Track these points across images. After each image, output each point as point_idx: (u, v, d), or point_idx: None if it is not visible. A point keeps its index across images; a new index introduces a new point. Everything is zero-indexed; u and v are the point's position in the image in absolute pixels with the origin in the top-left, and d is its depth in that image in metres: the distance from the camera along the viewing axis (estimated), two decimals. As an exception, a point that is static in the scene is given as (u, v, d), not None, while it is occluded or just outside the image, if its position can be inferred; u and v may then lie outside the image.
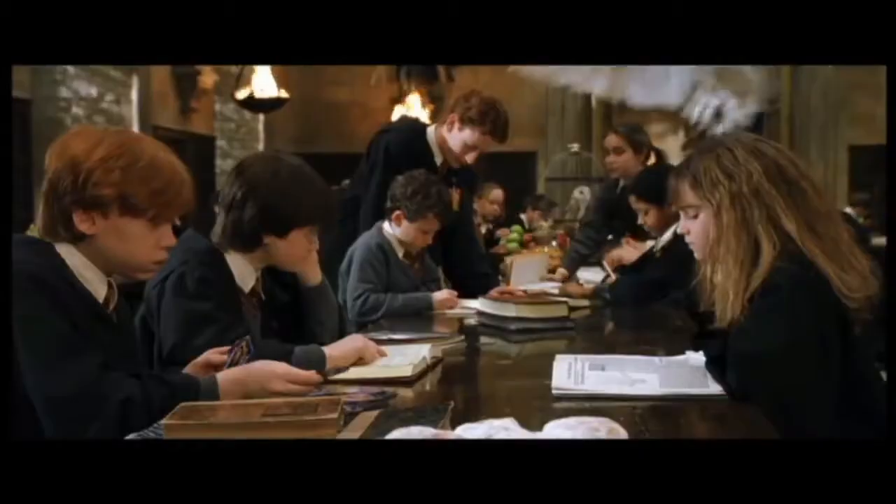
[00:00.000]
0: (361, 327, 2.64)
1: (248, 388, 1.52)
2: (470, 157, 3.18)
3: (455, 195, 3.19)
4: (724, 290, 1.64)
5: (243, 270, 1.94)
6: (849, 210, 7.46)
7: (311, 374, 1.60)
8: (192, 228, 1.97)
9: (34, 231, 1.58)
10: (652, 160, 3.97)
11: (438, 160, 3.25)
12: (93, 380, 1.37)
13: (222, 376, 1.52)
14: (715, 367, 1.65)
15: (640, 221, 3.29)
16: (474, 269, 3.39)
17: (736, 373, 1.57)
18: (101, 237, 1.49)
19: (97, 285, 1.52)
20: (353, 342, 1.89)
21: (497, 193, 7.00)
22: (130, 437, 1.31)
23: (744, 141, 1.71)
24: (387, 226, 2.98)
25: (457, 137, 3.15)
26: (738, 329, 1.61)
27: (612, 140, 3.93)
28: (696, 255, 1.78)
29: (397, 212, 2.91)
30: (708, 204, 1.68)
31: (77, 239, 1.49)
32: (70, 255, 1.49)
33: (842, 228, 1.65)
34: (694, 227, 1.75)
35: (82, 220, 1.47)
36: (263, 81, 8.04)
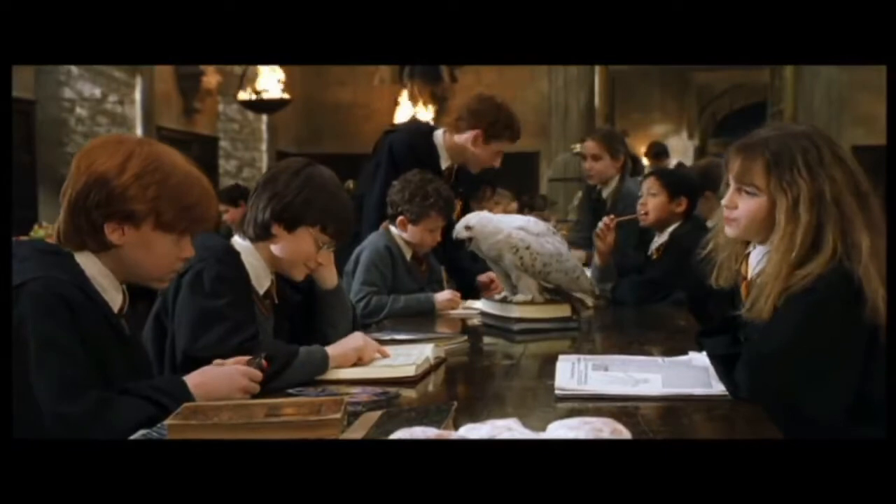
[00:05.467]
0: (365, 328, 2.64)
1: (211, 390, 1.53)
2: (497, 162, 3.28)
3: (458, 204, 3.20)
4: (767, 284, 1.59)
5: (259, 271, 1.96)
6: None
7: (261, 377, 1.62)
8: None
9: (38, 232, 1.59)
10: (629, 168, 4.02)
11: (444, 164, 3.27)
12: (102, 408, 1.39)
13: (192, 380, 1.53)
14: (719, 364, 1.64)
15: (640, 203, 3.28)
16: (476, 269, 3.40)
17: (747, 371, 1.57)
18: (127, 248, 1.51)
19: (113, 294, 1.54)
20: (352, 341, 1.90)
21: (513, 207, 7.01)
22: (135, 436, 1.31)
23: (829, 142, 1.65)
24: (394, 227, 2.98)
25: (486, 150, 3.21)
26: (762, 328, 1.59)
27: (591, 146, 3.93)
28: (730, 231, 1.70)
29: (400, 217, 2.91)
30: (782, 194, 1.61)
31: (101, 249, 1.51)
32: (90, 263, 1.50)
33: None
34: (746, 206, 1.67)
35: (113, 230, 1.49)
36: (267, 82, 8.06)
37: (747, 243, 1.74)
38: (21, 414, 1.29)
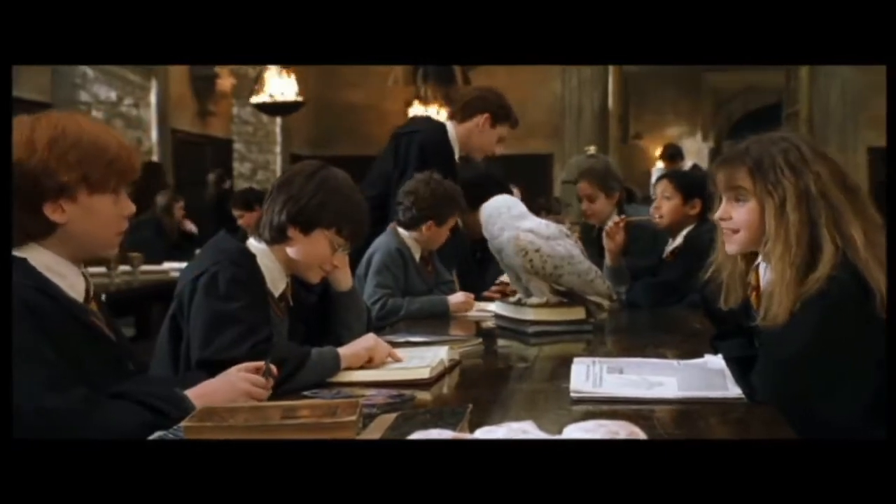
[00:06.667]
0: (378, 330, 2.65)
1: (214, 397, 1.50)
2: (499, 149, 3.40)
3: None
4: (776, 291, 1.58)
5: (274, 274, 1.97)
6: None
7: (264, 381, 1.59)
8: (224, 230, 2.01)
9: None
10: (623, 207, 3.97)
11: (457, 157, 3.36)
12: (90, 407, 1.37)
13: (193, 392, 1.51)
14: (736, 367, 1.64)
15: (654, 206, 3.28)
16: (488, 278, 3.47)
17: (765, 375, 1.56)
18: (71, 224, 1.46)
19: (73, 279, 1.50)
20: (364, 342, 1.91)
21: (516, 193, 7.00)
22: (153, 437, 1.32)
23: (808, 142, 1.67)
24: (402, 228, 2.98)
25: (491, 134, 3.32)
26: (776, 332, 1.58)
27: (584, 188, 3.92)
28: (731, 247, 1.69)
29: (429, 222, 2.91)
30: (769, 196, 1.61)
31: (46, 234, 1.46)
32: (39, 255, 1.46)
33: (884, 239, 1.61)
34: (739, 214, 1.67)
35: (53, 210, 1.45)
36: (281, 85, 8.08)
37: (752, 258, 1.72)
38: None
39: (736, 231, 1.69)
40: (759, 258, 1.70)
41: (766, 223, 1.62)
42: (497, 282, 3.48)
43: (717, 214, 1.73)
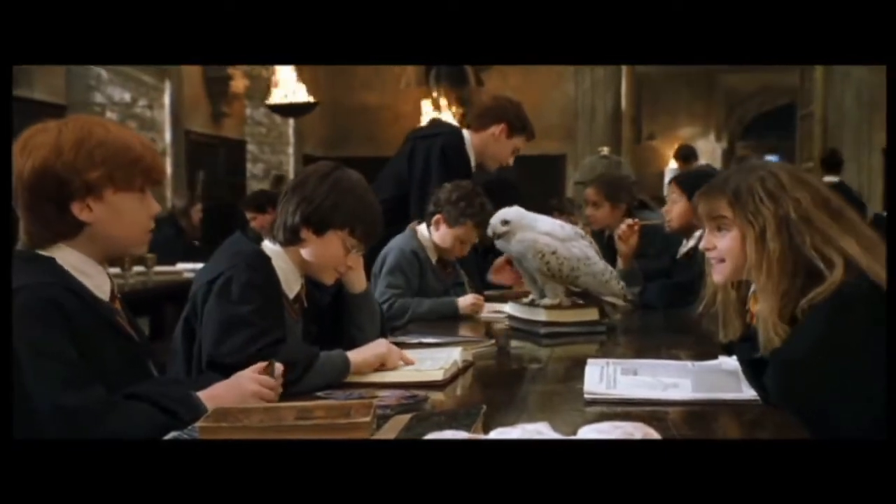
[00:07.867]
0: (391, 331, 2.65)
1: (224, 399, 1.50)
2: (511, 160, 3.42)
3: None
4: (762, 320, 1.58)
5: (289, 276, 1.96)
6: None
7: (273, 382, 1.59)
8: (239, 232, 2.02)
9: None
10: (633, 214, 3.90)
11: (473, 164, 3.37)
12: (106, 407, 1.39)
13: (204, 395, 1.52)
14: (749, 369, 1.63)
15: (664, 209, 3.28)
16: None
17: (776, 376, 1.55)
18: (98, 223, 1.49)
19: (99, 279, 1.52)
20: (376, 348, 1.91)
21: None
22: (168, 437, 1.32)
23: (787, 168, 1.66)
24: (422, 229, 2.99)
25: (506, 145, 3.34)
26: (788, 337, 1.57)
27: (590, 193, 3.91)
28: (718, 276, 1.69)
29: (438, 216, 2.92)
30: (749, 225, 1.60)
31: (73, 234, 1.49)
32: (66, 255, 1.49)
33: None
34: (723, 243, 1.66)
35: (81, 209, 1.48)
36: (292, 86, 8.10)
37: (743, 286, 1.71)
38: (19, 423, 1.26)
39: (722, 260, 1.68)
40: (752, 286, 1.68)
41: (748, 252, 1.61)
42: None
43: (702, 245, 1.74)
